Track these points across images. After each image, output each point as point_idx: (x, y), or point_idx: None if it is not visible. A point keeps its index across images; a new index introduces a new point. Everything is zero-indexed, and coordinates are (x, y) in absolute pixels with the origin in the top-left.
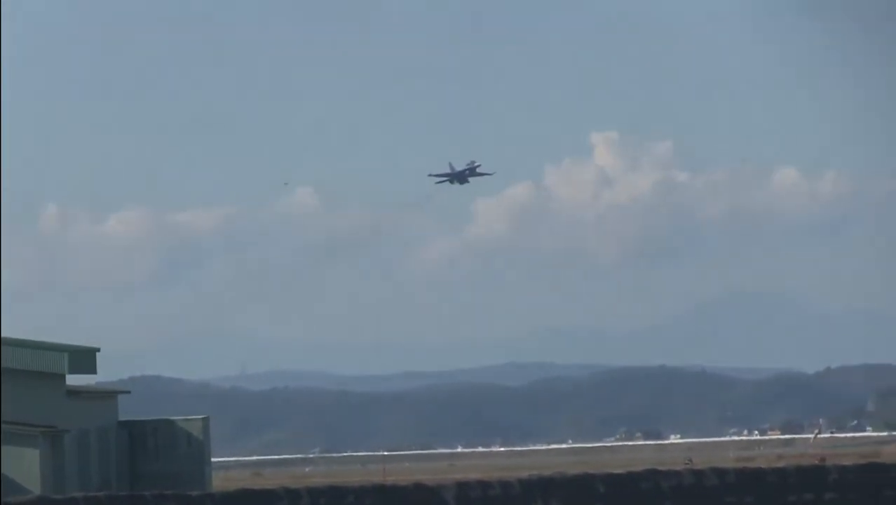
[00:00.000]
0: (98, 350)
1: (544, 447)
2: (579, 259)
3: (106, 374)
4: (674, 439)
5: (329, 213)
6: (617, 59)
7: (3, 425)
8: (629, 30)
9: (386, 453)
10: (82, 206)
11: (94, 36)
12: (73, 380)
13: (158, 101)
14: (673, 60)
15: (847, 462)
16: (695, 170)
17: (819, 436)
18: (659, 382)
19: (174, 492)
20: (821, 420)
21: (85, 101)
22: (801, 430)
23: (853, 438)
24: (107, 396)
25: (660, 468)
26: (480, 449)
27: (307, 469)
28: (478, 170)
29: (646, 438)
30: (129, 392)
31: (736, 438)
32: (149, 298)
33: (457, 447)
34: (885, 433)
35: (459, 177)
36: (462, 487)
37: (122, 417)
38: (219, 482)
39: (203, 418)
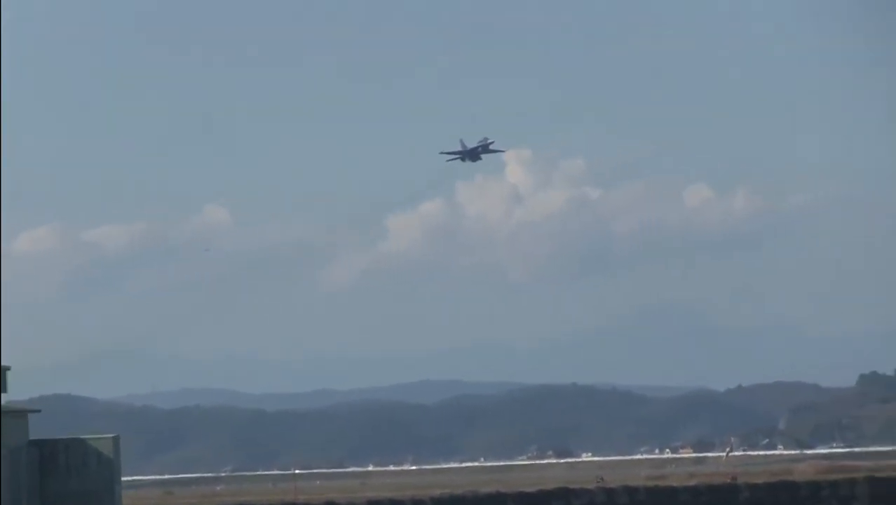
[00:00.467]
0: (8, 368)
1: (457, 465)
2: (491, 276)
3: (16, 392)
4: (585, 457)
5: (241, 229)
6: (526, 75)
7: None
8: (541, 46)
9: (298, 472)
10: None
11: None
12: None
13: (71, 116)
14: (581, 77)
15: (759, 481)
16: (607, 186)
17: (731, 454)
18: (571, 399)
19: None
20: (732, 438)
21: None
22: (713, 448)
23: (765, 456)
24: (17, 414)
25: (571, 487)
26: (392, 467)
27: (218, 487)
28: (491, 147)
29: (558, 457)
30: (39, 411)
31: (648, 456)
32: (59, 316)
33: (369, 465)
34: (796, 451)
35: (471, 154)
36: None
37: (33, 436)
38: (129, 501)
39: (114, 437)
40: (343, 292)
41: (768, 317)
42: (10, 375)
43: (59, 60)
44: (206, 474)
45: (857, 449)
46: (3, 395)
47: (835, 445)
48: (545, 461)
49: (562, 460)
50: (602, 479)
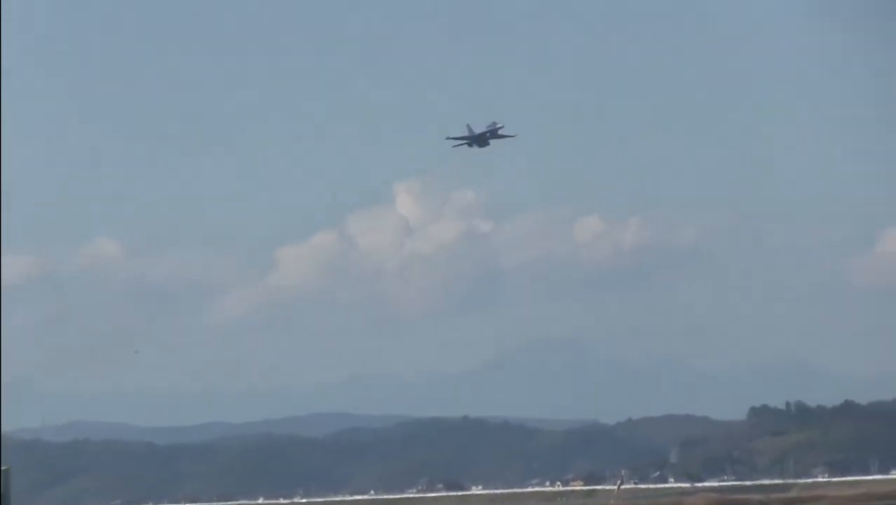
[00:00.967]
0: None
1: (347, 498)
2: (382, 308)
3: None
4: (476, 490)
5: (131, 262)
6: (415, 107)
7: None
8: (439, 80)
9: None
10: None
11: None
12: None
13: None
14: (470, 110)
15: None
16: (498, 219)
17: (622, 487)
18: (461, 432)
19: None
20: (623, 471)
21: None
22: (603, 480)
23: (656, 488)
24: None
25: None
26: (282, 501)
27: None
28: (499, 132)
29: (448, 489)
30: None
31: (539, 488)
32: None
33: (259, 498)
34: (687, 484)
35: (479, 140)
36: None
37: None
38: None
39: (4, 470)
40: (233, 325)
41: (658, 351)
42: None
43: None
44: None
45: (747, 482)
46: None
47: (725, 477)
48: (435, 494)
49: (452, 493)
50: None
